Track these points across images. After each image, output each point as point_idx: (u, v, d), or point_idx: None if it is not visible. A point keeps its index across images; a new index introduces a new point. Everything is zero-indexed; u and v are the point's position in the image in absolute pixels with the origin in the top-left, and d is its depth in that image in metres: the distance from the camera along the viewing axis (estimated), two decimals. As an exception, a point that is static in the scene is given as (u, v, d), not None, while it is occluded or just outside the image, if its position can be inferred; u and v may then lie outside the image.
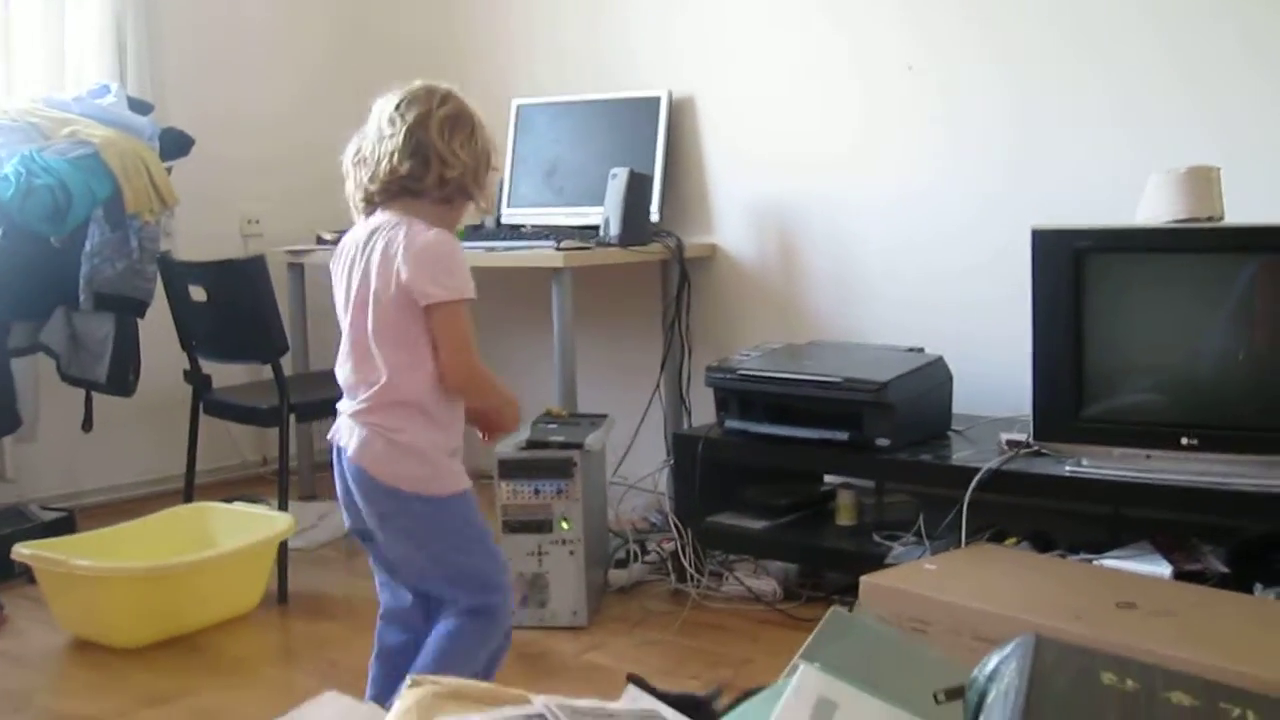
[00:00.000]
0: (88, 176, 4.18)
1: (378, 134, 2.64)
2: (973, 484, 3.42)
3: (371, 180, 2.64)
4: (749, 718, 1.38)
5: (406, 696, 1.57)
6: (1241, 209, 3.43)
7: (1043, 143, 4.08)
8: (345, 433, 2.70)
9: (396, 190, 2.63)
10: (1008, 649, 1.41)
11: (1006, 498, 3.50)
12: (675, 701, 2.59)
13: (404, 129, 2.59)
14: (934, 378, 3.87)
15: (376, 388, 2.63)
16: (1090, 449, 3.38)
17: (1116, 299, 3.35)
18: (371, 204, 2.68)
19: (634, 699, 1.69)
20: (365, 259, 2.63)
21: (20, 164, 4.09)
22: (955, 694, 1.47)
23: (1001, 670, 1.37)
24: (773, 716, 1.33)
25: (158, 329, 4.56)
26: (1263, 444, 3.17)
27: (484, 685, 1.64)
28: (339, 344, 2.73)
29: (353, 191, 2.70)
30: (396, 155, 2.59)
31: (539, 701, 1.55)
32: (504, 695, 1.62)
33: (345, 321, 2.70)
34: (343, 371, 2.71)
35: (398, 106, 2.62)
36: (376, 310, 2.62)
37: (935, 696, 1.47)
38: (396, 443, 2.62)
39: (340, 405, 2.75)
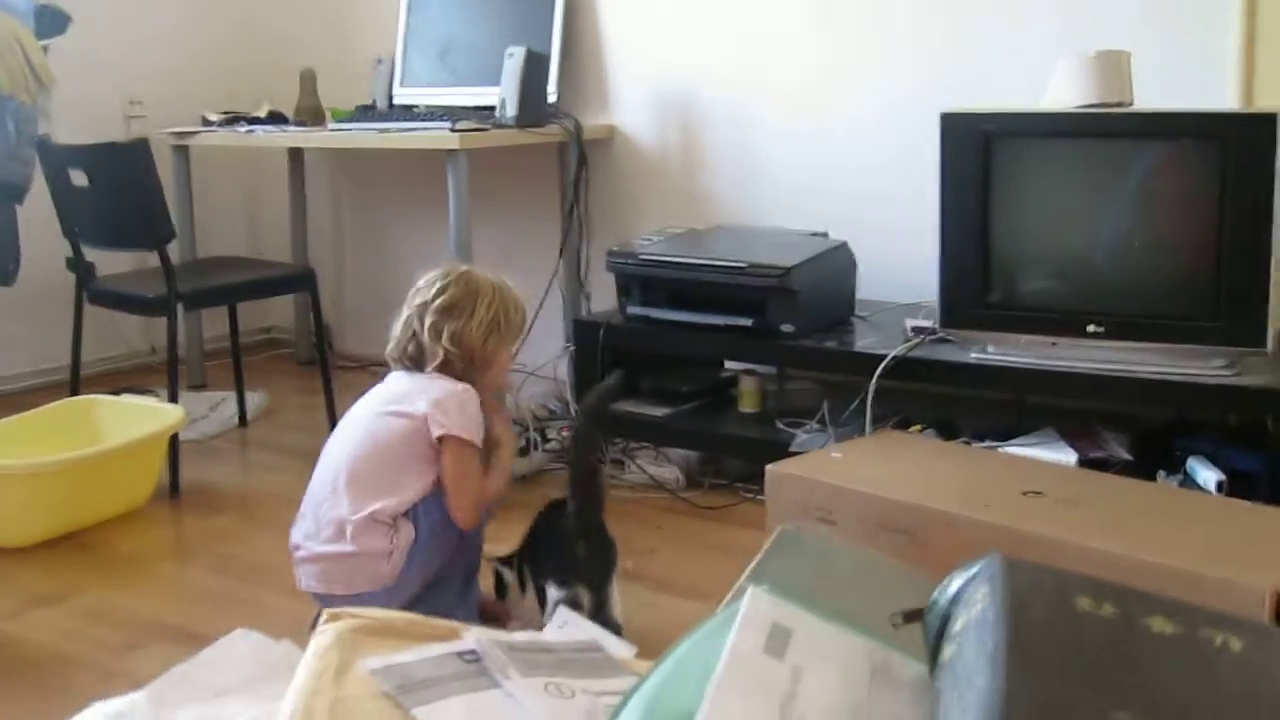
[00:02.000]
0: (-41, 56, 4.01)
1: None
2: (878, 371, 3.41)
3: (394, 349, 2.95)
4: (700, 650, 1.32)
5: (326, 631, 1.50)
6: (1153, 95, 3.40)
7: (950, 19, 4.01)
8: None
9: (410, 362, 2.92)
10: (973, 570, 1.36)
11: (911, 385, 3.48)
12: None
13: (408, 310, 2.93)
14: (838, 263, 3.83)
15: None
16: (996, 336, 3.37)
17: (1024, 184, 3.31)
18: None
19: (561, 623, 1.64)
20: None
21: (-114, 43, 3.92)
22: (913, 616, 1.42)
23: (967, 594, 1.32)
24: (725, 650, 1.27)
25: (38, 216, 4.40)
26: (1168, 332, 3.17)
27: (409, 617, 1.57)
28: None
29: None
30: (402, 336, 2.93)
31: (471, 636, 1.50)
32: (430, 628, 1.57)
33: None
34: None
35: (414, 290, 2.96)
36: None
37: (892, 620, 1.42)
38: None
39: None
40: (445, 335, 2.85)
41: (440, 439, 2.74)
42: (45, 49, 4.35)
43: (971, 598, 1.30)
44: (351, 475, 2.76)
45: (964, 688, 1.17)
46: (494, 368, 2.94)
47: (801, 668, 1.28)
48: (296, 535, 2.83)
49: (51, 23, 4.47)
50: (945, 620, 1.33)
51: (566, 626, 1.58)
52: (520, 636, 1.54)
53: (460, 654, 1.47)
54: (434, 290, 2.91)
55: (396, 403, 2.81)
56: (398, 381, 2.90)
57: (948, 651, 1.27)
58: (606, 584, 2.65)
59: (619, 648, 1.59)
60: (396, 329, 2.95)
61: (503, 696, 1.41)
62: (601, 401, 2.93)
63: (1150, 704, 1.17)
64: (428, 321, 2.87)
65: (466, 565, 2.88)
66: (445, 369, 2.85)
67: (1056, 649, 1.19)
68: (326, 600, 2.69)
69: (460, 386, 2.82)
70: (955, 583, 1.37)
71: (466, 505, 2.76)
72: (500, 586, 2.86)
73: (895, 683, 1.31)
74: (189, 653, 2.51)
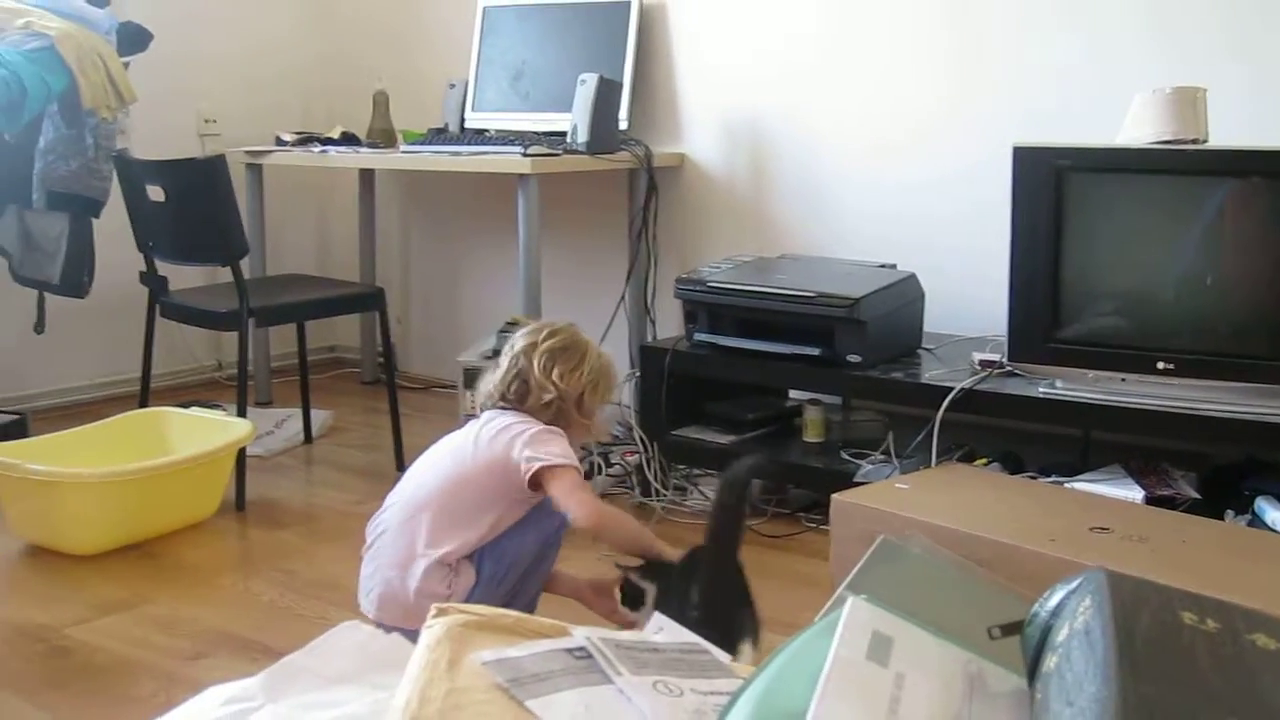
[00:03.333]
0: (42, 70, 4.07)
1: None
2: (945, 402, 3.39)
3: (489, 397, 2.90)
4: (804, 655, 1.32)
5: (435, 625, 1.52)
6: (1226, 133, 3.38)
7: (1024, 55, 4.01)
8: None
9: (510, 402, 2.86)
10: (1074, 583, 1.36)
11: (978, 418, 3.47)
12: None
13: (510, 356, 2.89)
14: (906, 295, 3.82)
15: None
16: (1064, 371, 3.35)
17: (1096, 219, 3.30)
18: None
19: (658, 627, 1.65)
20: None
21: (-28, 56, 3.98)
22: (1012, 629, 1.42)
23: (1069, 606, 1.32)
24: (830, 655, 1.28)
25: (113, 229, 4.46)
26: (1238, 370, 3.14)
27: (514, 615, 1.59)
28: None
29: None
30: (503, 379, 2.86)
31: (580, 634, 1.51)
32: (536, 626, 1.58)
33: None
34: None
35: (512, 340, 2.94)
36: None
37: (990, 631, 1.42)
38: None
39: None
40: (556, 373, 2.82)
41: (541, 471, 2.68)
42: (126, 65, 4.40)
43: (1074, 610, 1.30)
44: (436, 506, 2.73)
45: (1074, 693, 1.17)
46: (589, 422, 2.92)
47: (904, 675, 1.28)
48: (373, 530, 2.82)
49: (134, 40, 4.52)
50: (1046, 632, 1.33)
51: (664, 631, 1.59)
52: (626, 636, 1.56)
53: (569, 650, 1.48)
54: (543, 334, 2.89)
55: (493, 437, 2.76)
56: (498, 417, 2.84)
57: (1050, 661, 1.27)
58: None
59: (720, 654, 1.60)
60: (493, 379, 2.90)
61: (613, 692, 1.42)
62: (746, 480, 2.74)
63: (1262, 716, 1.16)
64: (538, 361, 2.84)
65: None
66: (547, 409, 2.82)
67: (1165, 659, 1.19)
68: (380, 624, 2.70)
69: (555, 428, 2.80)
70: (1057, 595, 1.37)
71: (587, 501, 2.70)
72: (636, 596, 2.72)
73: (991, 694, 1.31)
74: (254, 663, 2.54)
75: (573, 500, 2.67)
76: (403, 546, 2.71)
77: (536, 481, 2.68)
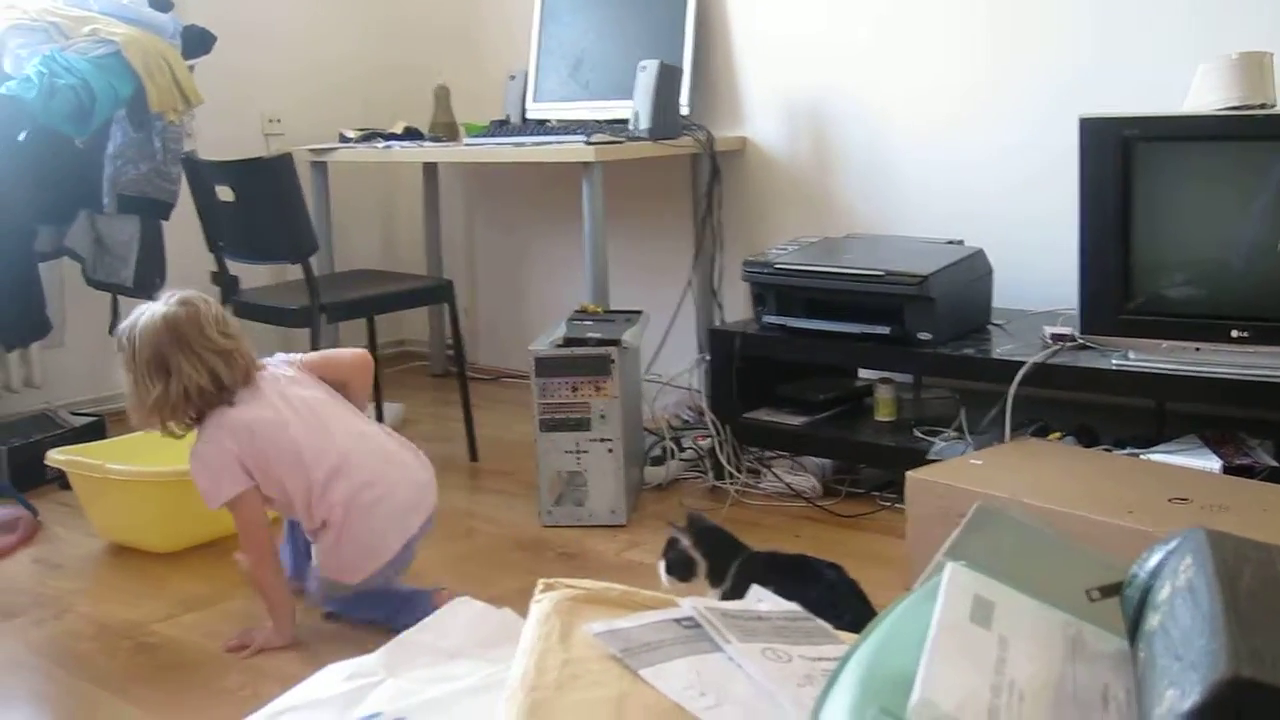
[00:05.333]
0: (110, 76, 4.11)
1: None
2: (1018, 377, 3.38)
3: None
4: (908, 620, 1.34)
5: (543, 600, 1.55)
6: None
7: (1084, 25, 3.99)
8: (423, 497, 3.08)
9: None
10: (1172, 543, 1.36)
11: (1050, 392, 3.46)
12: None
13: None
14: (975, 270, 3.81)
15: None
16: (1137, 342, 3.32)
17: (1165, 188, 3.28)
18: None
19: (759, 598, 1.67)
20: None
21: (43, 64, 4.03)
22: (1111, 591, 1.42)
23: (1169, 565, 1.32)
24: (934, 618, 1.29)
25: (184, 230, 4.51)
26: (1314, 336, 3.12)
27: (620, 588, 1.61)
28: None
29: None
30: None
31: (687, 604, 1.54)
32: (641, 598, 1.60)
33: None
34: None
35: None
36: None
37: (1089, 594, 1.43)
38: None
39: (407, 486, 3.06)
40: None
41: None
42: (191, 69, 4.44)
43: (1175, 569, 1.30)
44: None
45: (1182, 648, 1.17)
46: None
47: (1007, 638, 1.29)
48: (368, 486, 3.01)
49: (197, 43, 4.57)
50: (1147, 591, 1.34)
51: (764, 602, 1.61)
52: (732, 605, 1.58)
53: (678, 620, 1.51)
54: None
55: None
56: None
57: (1154, 619, 1.28)
58: None
59: (823, 622, 1.61)
60: None
61: (723, 660, 1.44)
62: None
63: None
64: None
65: None
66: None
67: (1271, 613, 1.19)
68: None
69: None
70: (1155, 556, 1.37)
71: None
72: (686, 565, 2.68)
73: (1091, 654, 1.32)
74: (336, 655, 2.56)
75: None
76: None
77: None
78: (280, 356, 3.16)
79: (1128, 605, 1.37)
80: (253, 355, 3.03)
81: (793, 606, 1.61)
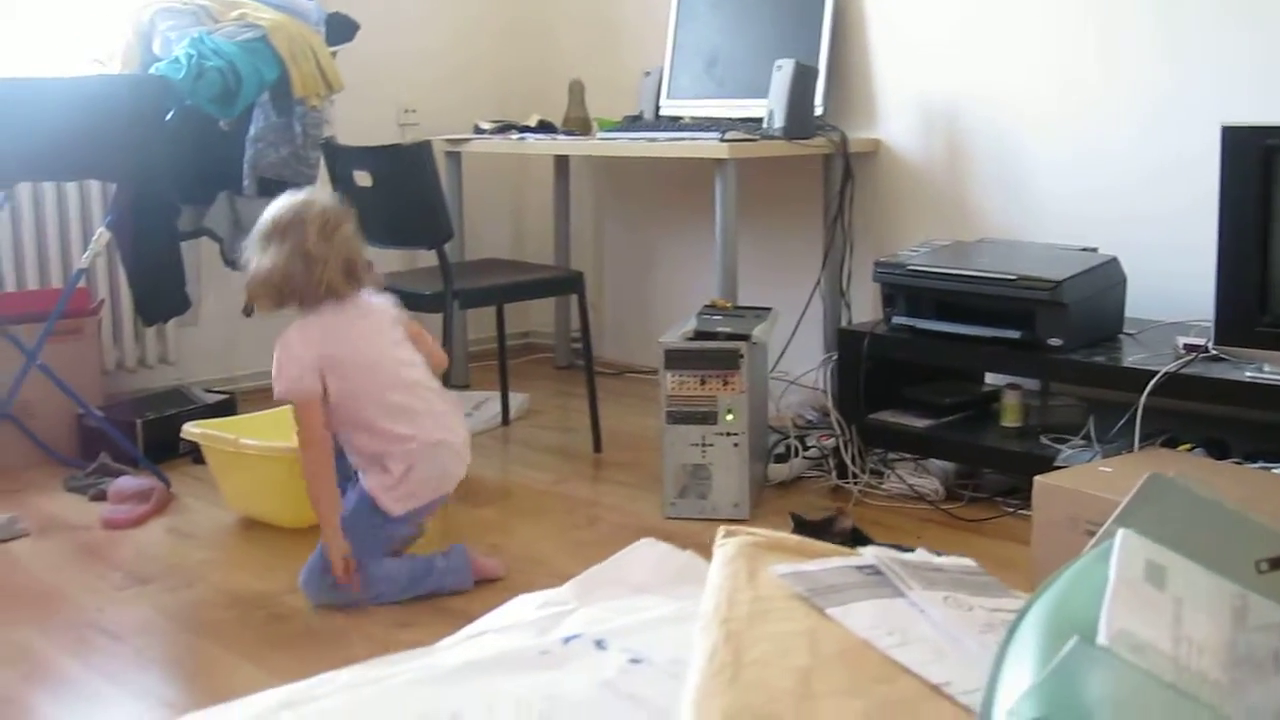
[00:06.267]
0: (256, 59, 4.19)
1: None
2: (1148, 387, 3.34)
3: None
4: (1084, 577, 1.35)
5: (727, 544, 1.59)
6: None
7: (1234, 33, 3.93)
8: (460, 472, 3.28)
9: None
10: None
11: (1181, 402, 3.42)
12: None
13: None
14: (1108, 278, 3.77)
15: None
16: (1272, 355, 3.27)
17: (1309, 199, 3.23)
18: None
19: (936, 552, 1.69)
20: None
21: (191, 46, 4.11)
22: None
23: None
24: (1111, 575, 1.30)
25: (319, 215, 4.59)
26: None
27: (796, 538, 1.65)
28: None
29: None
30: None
31: (869, 553, 1.57)
32: (818, 547, 1.64)
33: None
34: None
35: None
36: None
37: (1258, 565, 1.42)
38: None
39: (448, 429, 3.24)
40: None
41: None
42: (334, 55, 4.52)
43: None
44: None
45: None
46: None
47: (1181, 599, 1.30)
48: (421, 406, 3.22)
49: (341, 30, 4.64)
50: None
51: (941, 556, 1.64)
52: (911, 556, 1.60)
53: (859, 567, 1.54)
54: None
55: None
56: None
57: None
58: None
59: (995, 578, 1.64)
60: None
61: (906, 604, 1.46)
62: None
63: None
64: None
65: None
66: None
67: None
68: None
69: None
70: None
71: None
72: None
73: (1259, 624, 1.32)
74: (462, 627, 2.59)
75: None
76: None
77: None
78: (392, 301, 3.30)
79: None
80: (374, 277, 3.24)
81: (967, 561, 1.63)
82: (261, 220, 3.10)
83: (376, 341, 3.17)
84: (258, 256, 3.08)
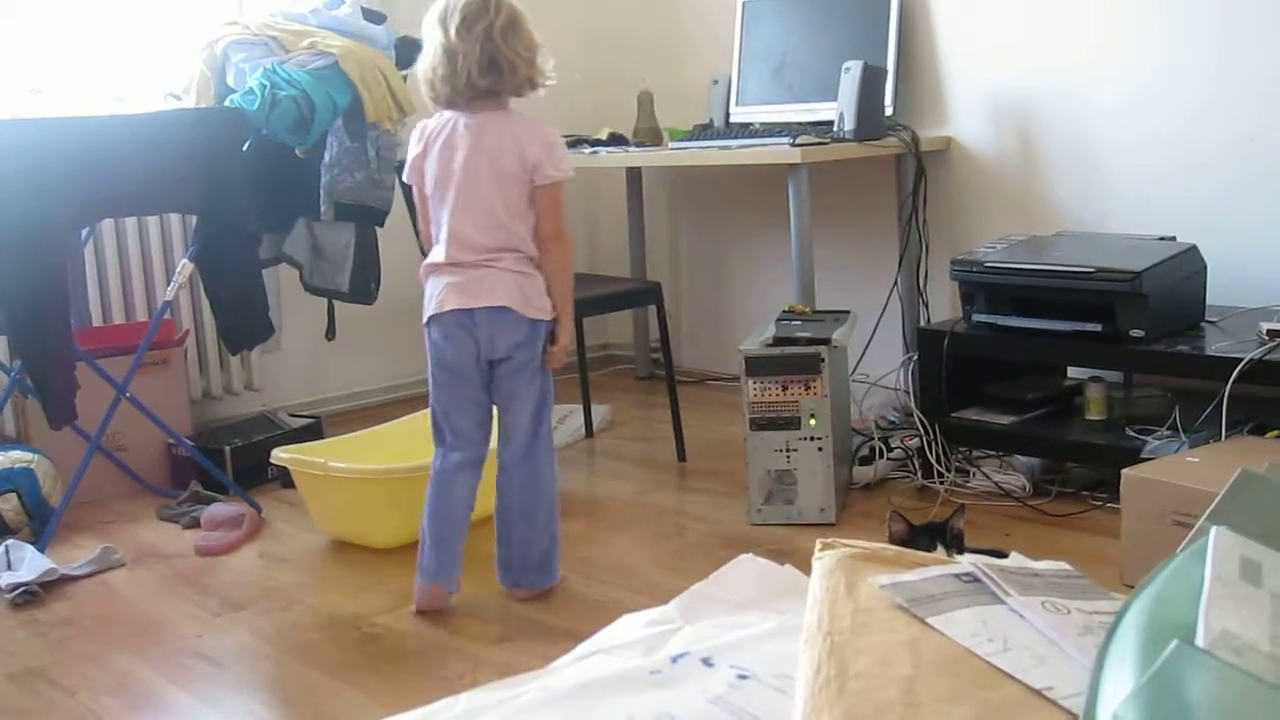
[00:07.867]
0: (328, 87, 4.24)
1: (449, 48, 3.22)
2: (1234, 374, 3.32)
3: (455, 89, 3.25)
4: (1179, 578, 1.35)
5: (825, 557, 1.61)
6: None
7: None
8: (474, 285, 3.13)
9: (481, 94, 3.28)
10: None
11: (1268, 389, 3.39)
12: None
13: (476, 43, 3.23)
14: (1188, 267, 3.75)
15: (511, 245, 3.17)
16: (1360, 336, 3.26)
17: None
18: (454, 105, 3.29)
19: (1020, 560, 1.70)
20: (475, 143, 3.26)
21: (264, 77, 4.17)
22: None
23: None
24: (1206, 575, 1.31)
25: (398, 237, 4.64)
26: None
27: (894, 549, 1.67)
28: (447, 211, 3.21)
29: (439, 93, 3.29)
30: (476, 69, 3.22)
31: (966, 560, 1.58)
32: (916, 557, 1.65)
33: (459, 193, 3.21)
34: (464, 233, 3.17)
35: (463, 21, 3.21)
36: (504, 184, 3.21)
37: None
38: (533, 284, 3.18)
39: (450, 265, 3.17)
40: (521, 47, 3.48)
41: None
42: (404, 78, 4.56)
43: None
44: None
45: None
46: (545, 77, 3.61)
47: (1278, 594, 1.30)
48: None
49: (410, 53, 4.65)
50: None
51: (1038, 561, 1.66)
52: (1007, 563, 1.61)
53: (957, 575, 1.55)
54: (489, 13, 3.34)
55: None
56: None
57: None
58: None
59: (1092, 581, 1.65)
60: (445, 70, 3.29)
61: (1005, 611, 1.48)
62: None
63: None
64: (500, 39, 3.36)
65: None
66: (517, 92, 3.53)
67: None
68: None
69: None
70: None
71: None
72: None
73: None
74: (555, 645, 2.62)
75: (555, 228, 3.28)
76: None
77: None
78: None
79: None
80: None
81: (1063, 565, 1.64)
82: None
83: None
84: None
